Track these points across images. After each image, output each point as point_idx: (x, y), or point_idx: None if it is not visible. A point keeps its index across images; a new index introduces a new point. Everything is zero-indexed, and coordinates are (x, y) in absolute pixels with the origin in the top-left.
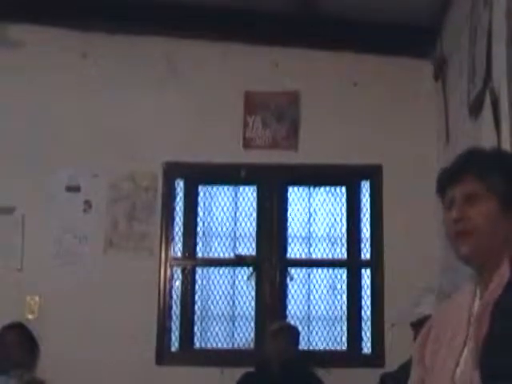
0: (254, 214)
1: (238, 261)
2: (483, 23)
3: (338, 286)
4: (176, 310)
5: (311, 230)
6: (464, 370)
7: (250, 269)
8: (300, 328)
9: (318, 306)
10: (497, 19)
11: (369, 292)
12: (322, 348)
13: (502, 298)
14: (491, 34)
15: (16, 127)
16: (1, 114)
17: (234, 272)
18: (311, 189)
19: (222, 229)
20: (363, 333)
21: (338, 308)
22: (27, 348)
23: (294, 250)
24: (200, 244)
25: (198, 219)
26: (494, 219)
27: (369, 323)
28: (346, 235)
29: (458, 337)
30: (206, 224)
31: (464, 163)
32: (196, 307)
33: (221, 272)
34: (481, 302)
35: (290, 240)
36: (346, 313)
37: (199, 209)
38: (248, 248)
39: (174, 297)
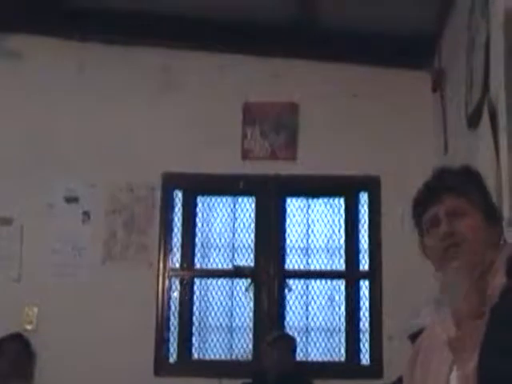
0: (253, 225)
1: (237, 272)
2: (481, 34)
3: (337, 298)
4: (174, 320)
5: (309, 241)
6: None
7: (249, 280)
8: (298, 339)
9: (316, 317)
10: (494, 30)
11: (367, 303)
12: (320, 359)
13: (498, 306)
14: (489, 46)
15: (14, 138)
16: None
17: (233, 283)
18: (309, 200)
19: (220, 240)
20: (361, 344)
21: (337, 319)
22: (27, 359)
23: (293, 261)
24: (198, 255)
25: (197, 230)
26: (480, 233)
27: (367, 334)
28: (344, 246)
29: (444, 362)
30: (204, 235)
31: (442, 183)
32: (194, 318)
33: (219, 283)
34: None
35: (288, 251)
36: (344, 324)
37: (197, 220)
38: (246, 259)
39: (172, 308)
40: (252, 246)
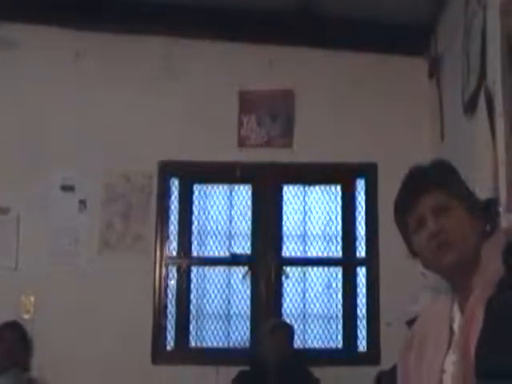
0: (249, 213)
1: (234, 259)
2: (478, 21)
3: (334, 285)
4: (171, 308)
5: (306, 228)
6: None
7: (246, 267)
8: (296, 326)
9: (313, 304)
10: (491, 17)
11: (364, 290)
12: (317, 346)
13: (496, 298)
14: (485, 32)
15: (10, 127)
16: None
17: (230, 271)
18: (306, 187)
19: (217, 227)
20: (359, 331)
21: (334, 306)
22: (23, 347)
23: (290, 249)
24: (195, 243)
25: (193, 218)
26: (466, 226)
27: (364, 321)
28: (341, 233)
29: (438, 350)
30: (201, 223)
31: (420, 181)
32: (191, 306)
33: (216, 271)
34: (471, 300)
35: (285, 238)
36: (341, 311)
37: (194, 208)
38: (243, 247)
39: (170, 296)
40: (249, 233)
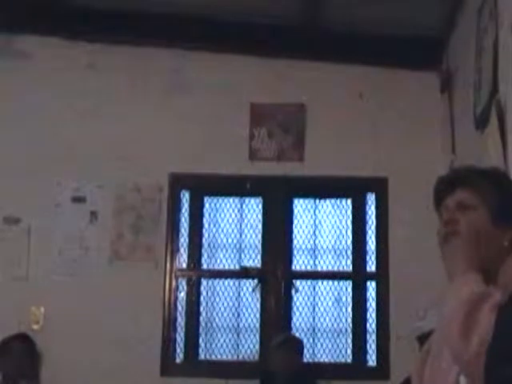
0: (260, 226)
1: (243, 272)
2: (489, 36)
3: (344, 299)
4: (181, 321)
5: (316, 242)
6: None
7: (255, 280)
8: (305, 340)
9: (323, 318)
10: (503, 32)
11: (374, 304)
12: (326, 360)
13: (507, 307)
14: (497, 47)
15: (22, 138)
16: (6, 125)
17: (239, 284)
18: (317, 201)
19: (227, 240)
20: (368, 345)
21: (343, 320)
22: (32, 359)
23: (300, 262)
24: (205, 255)
25: (204, 231)
26: (481, 228)
27: (374, 336)
28: (351, 247)
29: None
30: (211, 235)
31: (459, 175)
32: (201, 318)
33: (226, 283)
34: None
35: (295, 252)
36: (351, 325)
37: (205, 220)
38: (253, 260)
39: (179, 308)
40: (259, 246)
